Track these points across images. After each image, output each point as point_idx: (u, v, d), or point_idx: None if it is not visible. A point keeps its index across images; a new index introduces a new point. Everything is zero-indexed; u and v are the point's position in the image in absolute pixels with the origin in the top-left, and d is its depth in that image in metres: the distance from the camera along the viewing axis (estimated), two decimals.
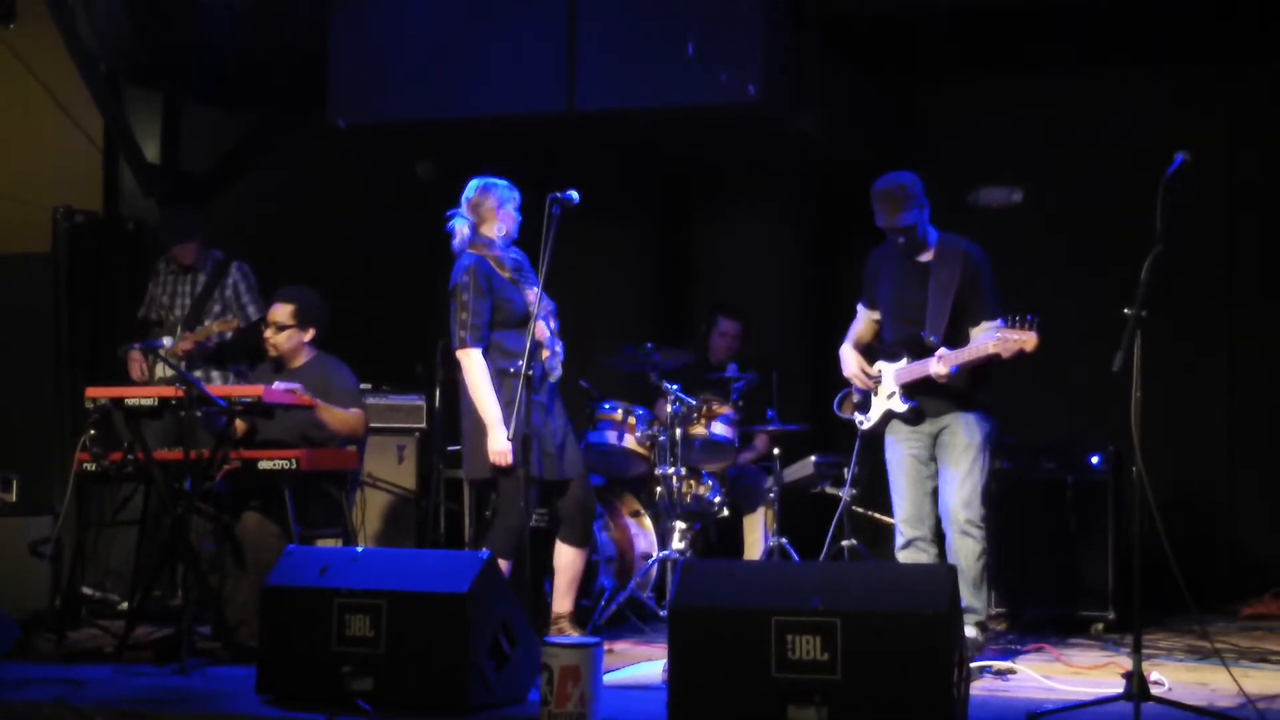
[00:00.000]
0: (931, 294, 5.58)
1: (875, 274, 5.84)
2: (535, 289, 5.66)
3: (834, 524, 6.39)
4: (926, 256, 5.65)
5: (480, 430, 5.65)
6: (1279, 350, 7.53)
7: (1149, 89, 7.75)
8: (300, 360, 6.29)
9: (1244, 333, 7.65)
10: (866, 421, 5.75)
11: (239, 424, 5.89)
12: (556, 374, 5.77)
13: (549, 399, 5.74)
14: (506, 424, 5.53)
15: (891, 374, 5.67)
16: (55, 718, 4.71)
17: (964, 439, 5.59)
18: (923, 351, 5.57)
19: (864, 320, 5.90)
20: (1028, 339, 5.31)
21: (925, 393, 5.59)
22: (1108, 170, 7.61)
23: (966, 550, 5.54)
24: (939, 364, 5.47)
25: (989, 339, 5.41)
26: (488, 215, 5.76)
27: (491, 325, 5.67)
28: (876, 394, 5.71)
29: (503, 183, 5.81)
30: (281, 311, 6.28)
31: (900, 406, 5.63)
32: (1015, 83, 8.00)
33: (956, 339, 5.57)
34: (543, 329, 5.64)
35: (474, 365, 5.64)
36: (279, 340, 6.27)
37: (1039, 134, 7.94)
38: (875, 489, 6.10)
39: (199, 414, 5.70)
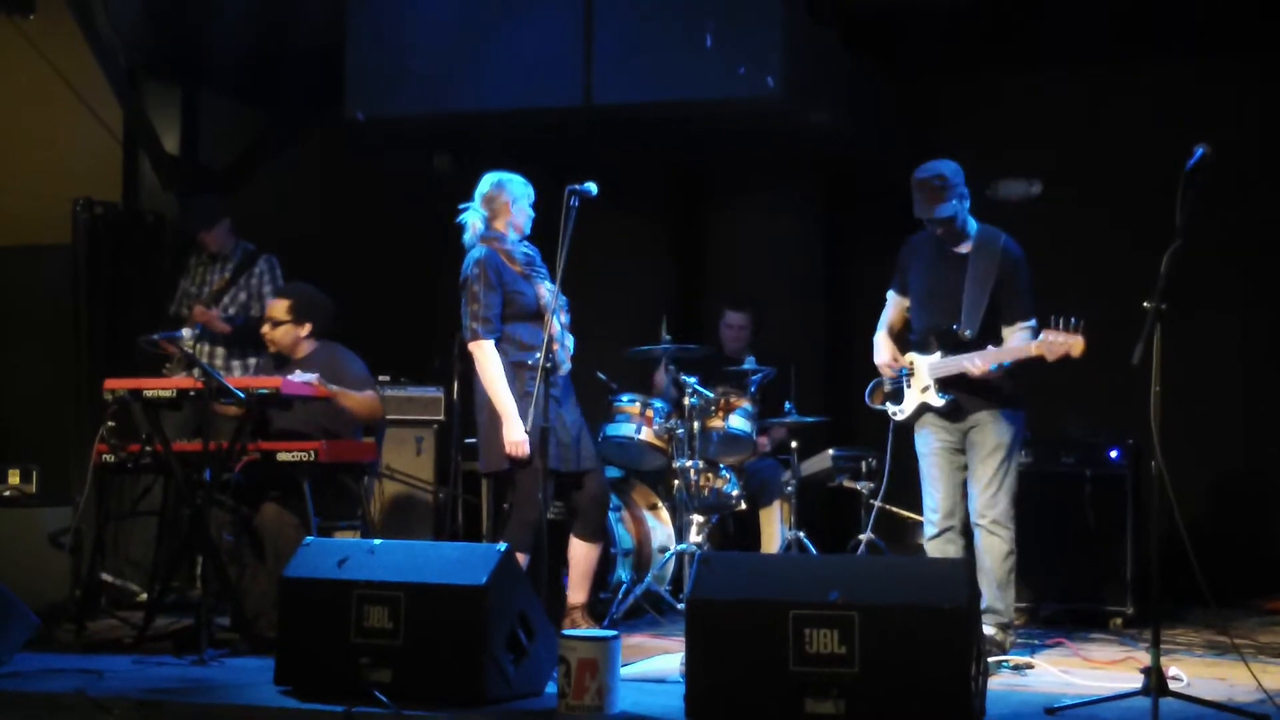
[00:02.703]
0: (968, 286, 5.51)
1: (909, 261, 5.76)
2: (547, 283, 5.66)
3: (872, 517, 6.37)
4: (964, 248, 5.58)
5: (495, 423, 5.65)
6: None
7: (1166, 82, 7.72)
8: (303, 352, 6.30)
9: (1263, 327, 7.62)
10: (900, 414, 5.70)
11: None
12: (566, 367, 5.77)
13: (563, 391, 5.75)
14: (522, 417, 5.54)
15: (925, 367, 5.60)
16: (75, 708, 4.72)
17: (994, 439, 5.54)
18: (955, 344, 5.51)
19: (895, 307, 5.83)
20: (1074, 343, 5.22)
21: (960, 388, 5.54)
22: (1126, 163, 7.59)
23: (993, 549, 5.50)
24: (979, 361, 5.41)
25: (1031, 340, 5.36)
26: (501, 210, 5.76)
27: (504, 318, 5.68)
28: (910, 386, 5.67)
29: (518, 178, 5.81)
30: (278, 307, 6.31)
31: (937, 401, 5.57)
32: (1030, 76, 7.99)
33: (990, 334, 5.51)
34: (554, 324, 5.63)
35: (486, 356, 5.65)
36: (276, 335, 6.29)
37: (1055, 127, 7.92)
38: (896, 481, 6.08)
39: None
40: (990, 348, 5.45)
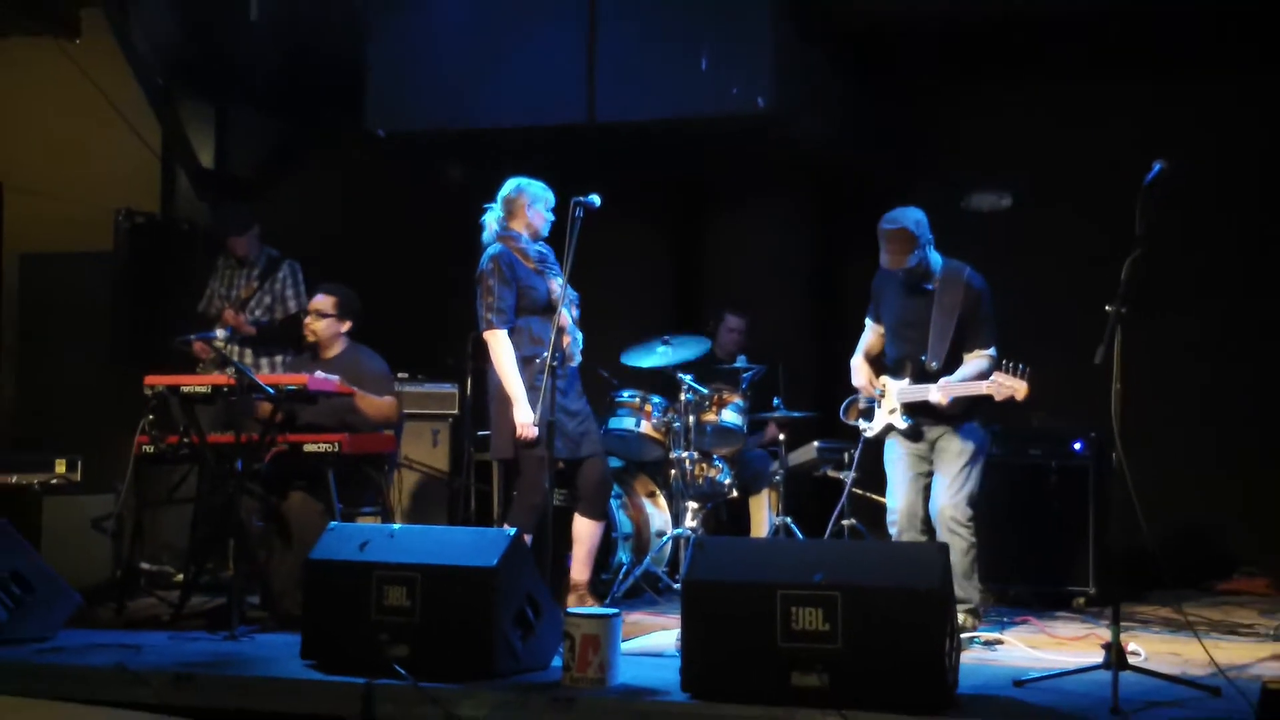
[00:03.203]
0: (934, 321, 5.59)
1: (881, 292, 5.85)
2: (559, 279, 5.67)
3: (840, 505, 6.40)
4: (931, 284, 5.64)
5: (504, 412, 5.66)
6: (1252, 350, 7.50)
7: (1134, 100, 7.71)
8: (335, 349, 6.33)
9: (1220, 333, 7.61)
10: (870, 430, 5.80)
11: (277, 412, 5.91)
12: (575, 360, 5.79)
13: (568, 384, 5.76)
14: (531, 407, 5.56)
15: (895, 392, 5.68)
16: (115, 680, 4.74)
17: (958, 447, 5.61)
18: (923, 374, 5.60)
19: (872, 333, 5.93)
20: (1019, 388, 5.36)
21: (924, 412, 5.62)
22: (1091, 172, 7.57)
23: (955, 546, 5.53)
24: (939, 394, 5.50)
25: (984, 380, 5.44)
26: (518, 212, 5.79)
27: (517, 311, 5.69)
28: (880, 406, 5.74)
29: (538, 184, 5.84)
30: (324, 302, 6.34)
31: (901, 424, 5.66)
32: (1006, 93, 7.97)
33: (954, 362, 5.60)
34: (565, 317, 5.65)
35: (499, 345, 5.66)
36: (319, 327, 6.31)
37: (1029, 140, 7.91)
38: (875, 472, 6.11)
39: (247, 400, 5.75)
40: (949, 381, 5.51)
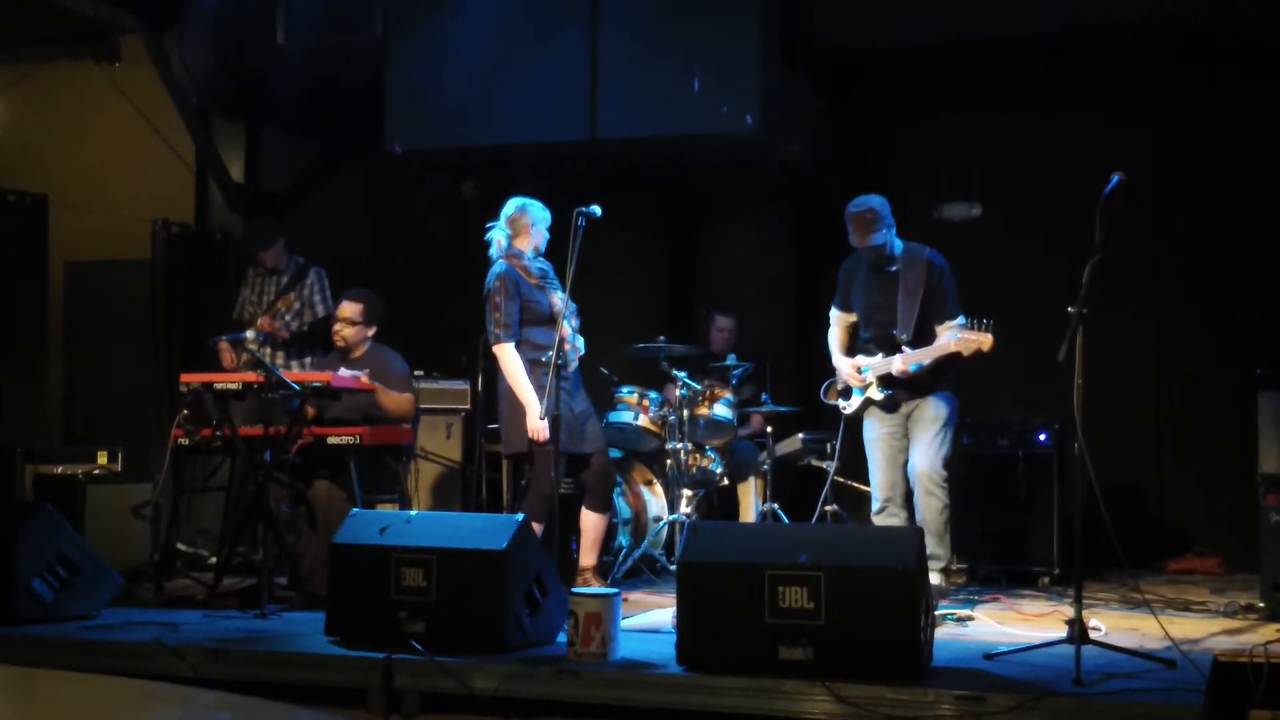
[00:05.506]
0: (900, 299, 5.60)
1: (849, 281, 5.86)
2: (560, 293, 5.67)
3: (824, 492, 6.39)
4: (895, 266, 5.66)
5: (516, 413, 5.65)
6: (1196, 353, 7.50)
7: (1090, 121, 7.71)
8: (361, 350, 6.32)
9: (1171, 328, 7.62)
10: (849, 407, 5.79)
11: (308, 407, 5.91)
12: (574, 365, 5.78)
13: (573, 385, 5.75)
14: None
15: (870, 368, 5.67)
16: (154, 655, 4.73)
17: (931, 414, 5.63)
18: (894, 347, 5.61)
19: (839, 322, 5.94)
20: (984, 340, 5.34)
21: (899, 383, 5.60)
22: (1053, 187, 7.57)
23: (931, 506, 5.57)
24: (899, 363, 5.51)
25: (952, 338, 5.41)
26: (522, 231, 5.77)
27: (521, 323, 5.68)
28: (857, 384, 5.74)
29: (538, 204, 5.83)
30: (351, 309, 6.32)
31: (878, 395, 5.66)
32: (973, 115, 7.98)
33: (924, 335, 5.59)
34: (565, 327, 5.64)
35: (509, 358, 5.65)
36: (348, 333, 6.30)
37: (994, 157, 7.91)
38: (855, 462, 6.10)
39: (277, 397, 5.73)
40: (908, 349, 5.53)
